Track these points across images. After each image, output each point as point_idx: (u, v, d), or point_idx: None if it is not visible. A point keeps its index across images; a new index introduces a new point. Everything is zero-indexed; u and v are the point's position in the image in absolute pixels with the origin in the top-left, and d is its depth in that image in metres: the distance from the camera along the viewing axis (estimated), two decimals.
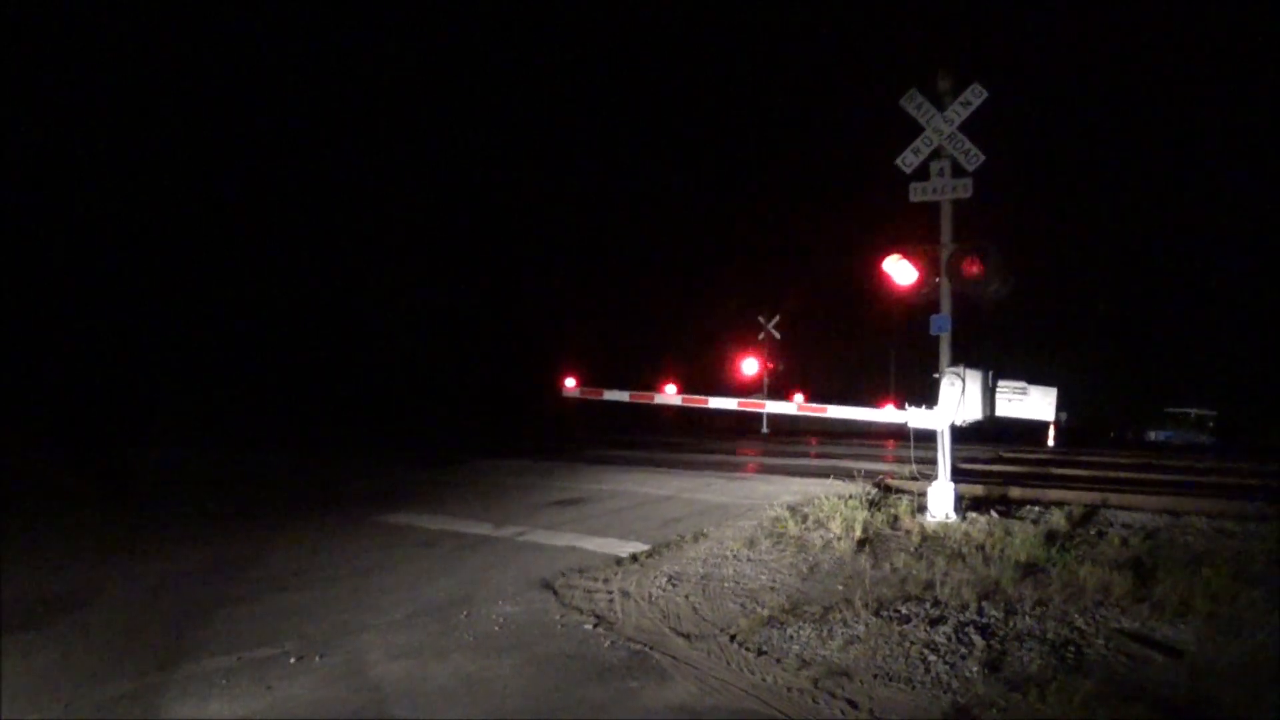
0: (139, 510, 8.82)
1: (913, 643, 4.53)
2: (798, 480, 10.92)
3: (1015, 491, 10.60)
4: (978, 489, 10.89)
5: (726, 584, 5.80)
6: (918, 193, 8.21)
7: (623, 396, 10.07)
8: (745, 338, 31.43)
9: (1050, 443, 26.28)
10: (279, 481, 11.11)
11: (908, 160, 8.22)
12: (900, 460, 13.40)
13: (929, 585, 5.62)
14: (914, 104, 8.26)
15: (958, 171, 8.10)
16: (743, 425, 26.48)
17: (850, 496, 8.78)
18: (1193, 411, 32.79)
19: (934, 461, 8.16)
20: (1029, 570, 6.02)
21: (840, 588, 5.68)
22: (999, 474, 13.26)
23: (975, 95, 8.05)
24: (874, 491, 9.53)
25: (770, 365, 28.78)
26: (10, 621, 4.94)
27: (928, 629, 4.73)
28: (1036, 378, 8.35)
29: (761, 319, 31.58)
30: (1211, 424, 32.04)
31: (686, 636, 4.74)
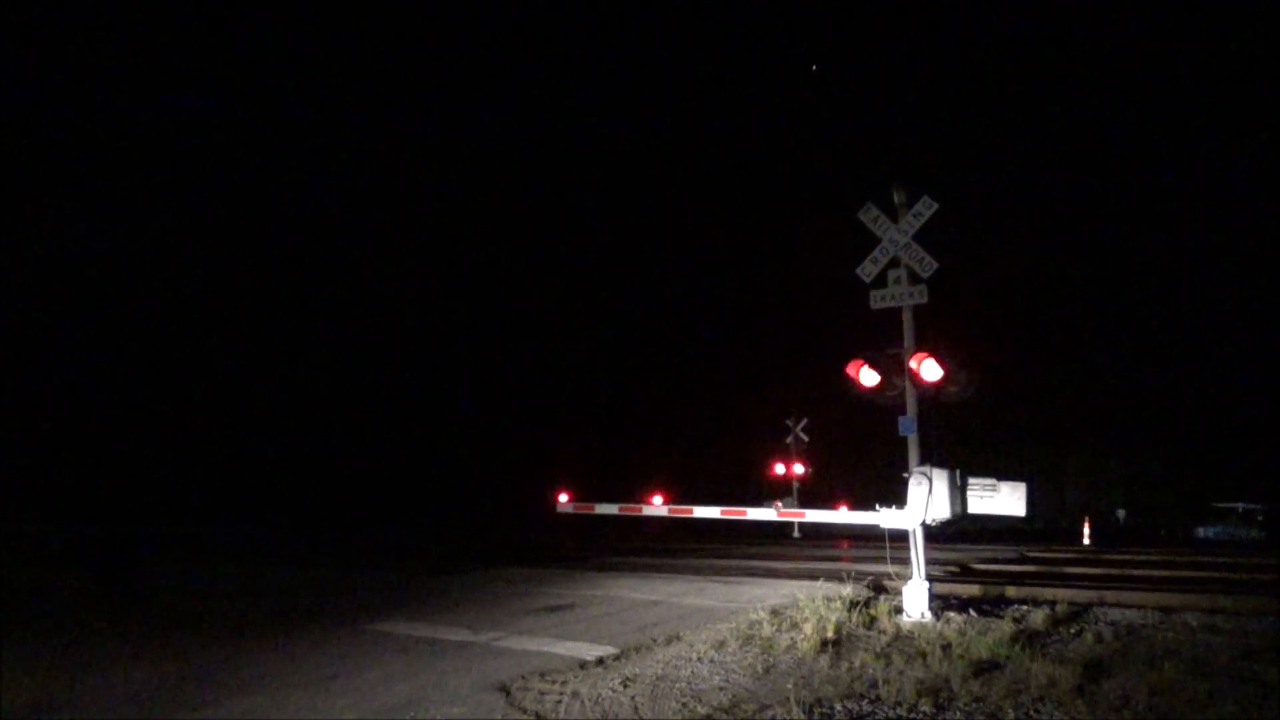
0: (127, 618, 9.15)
1: None
2: (793, 583, 10.93)
3: (1011, 590, 10.51)
4: (974, 588, 10.82)
5: (678, 685, 5.93)
6: (877, 300, 8.61)
7: (613, 510, 10.30)
8: (771, 443, 31.62)
9: (1085, 541, 25.62)
10: (282, 588, 11.41)
11: (866, 270, 8.67)
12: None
13: (875, 684, 5.70)
14: (870, 216, 8.76)
15: (914, 279, 8.50)
16: (770, 529, 26.28)
17: (838, 598, 8.80)
18: (1240, 506, 31.89)
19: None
20: (983, 668, 6.06)
21: (789, 687, 5.76)
22: (1007, 573, 13.07)
23: (926, 207, 8.53)
24: (865, 593, 9.53)
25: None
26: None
27: None
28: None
29: (790, 422, 31.84)
30: (1260, 519, 31.09)
31: None
